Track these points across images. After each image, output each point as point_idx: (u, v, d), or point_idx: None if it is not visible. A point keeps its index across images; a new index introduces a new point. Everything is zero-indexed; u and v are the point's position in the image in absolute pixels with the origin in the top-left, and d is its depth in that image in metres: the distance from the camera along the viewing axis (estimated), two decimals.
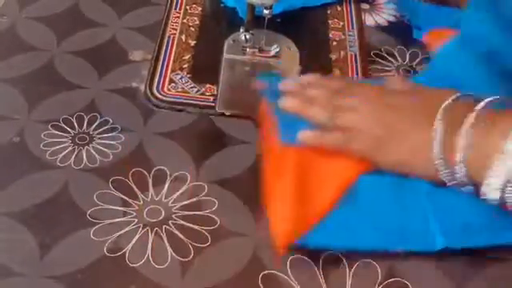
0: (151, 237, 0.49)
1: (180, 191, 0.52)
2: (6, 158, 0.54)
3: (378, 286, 0.48)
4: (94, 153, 0.55)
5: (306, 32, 0.70)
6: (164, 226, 0.50)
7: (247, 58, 0.64)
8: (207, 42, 0.67)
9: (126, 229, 0.49)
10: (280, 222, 0.49)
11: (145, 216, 0.50)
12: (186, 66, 0.64)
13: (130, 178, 0.53)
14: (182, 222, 0.50)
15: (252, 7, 0.63)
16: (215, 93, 0.61)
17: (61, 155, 0.54)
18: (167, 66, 0.63)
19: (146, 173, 0.54)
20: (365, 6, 0.74)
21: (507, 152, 0.46)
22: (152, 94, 0.60)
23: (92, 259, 0.47)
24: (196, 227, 0.50)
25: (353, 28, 0.71)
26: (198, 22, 0.69)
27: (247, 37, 0.64)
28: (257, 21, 0.63)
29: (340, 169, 0.52)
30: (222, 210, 0.51)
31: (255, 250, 0.49)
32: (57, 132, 0.56)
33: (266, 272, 0.48)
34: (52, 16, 0.68)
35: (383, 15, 0.73)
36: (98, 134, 0.56)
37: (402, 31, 0.71)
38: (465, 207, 0.50)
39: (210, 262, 0.48)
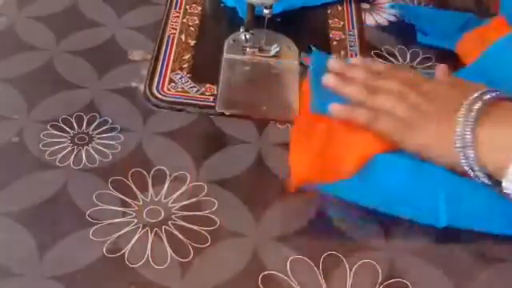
0: (151, 237, 0.49)
1: (180, 191, 0.52)
2: (5, 158, 0.54)
3: (379, 286, 0.48)
4: (93, 153, 0.55)
5: (306, 32, 0.70)
6: (164, 227, 0.50)
7: (247, 57, 0.64)
8: (207, 42, 0.67)
9: (126, 229, 0.49)
10: (299, 166, 0.52)
11: (144, 216, 0.50)
12: (185, 65, 0.64)
13: (130, 178, 0.53)
14: (182, 223, 0.50)
15: (252, 7, 0.63)
16: (215, 93, 0.61)
17: (60, 155, 0.54)
18: (167, 66, 0.63)
19: (145, 173, 0.53)
20: (365, 5, 0.74)
21: None
22: (152, 93, 0.60)
23: (91, 259, 0.47)
24: (196, 227, 0.50)
25: (353, 28, 0.71)
26: (197, 22, 0.69)
27: (247, 36, 0.64)
28: (257, 20, 0.63)
29: (364, 142, 0.54)
30: (221, 210, 0.51)
31: (255, 250, 0.49)
32: (56, 132, 0.56)
33: (265, 272, 0.48)
34: (51, 15, 0.68)
35: (383, 15, 0.73)
36: (97, 133, 0.56)
37: (402, 31, 0.71)
38: (476, 194, 0.51)
39: (210, 263, 0.48)
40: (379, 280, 0.48)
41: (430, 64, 0.67)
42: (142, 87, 0.61)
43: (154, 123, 0.58)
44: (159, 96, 0.60)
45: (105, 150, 0.55)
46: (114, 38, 0.66)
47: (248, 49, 0.64)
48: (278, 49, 0.64)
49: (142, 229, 0.49)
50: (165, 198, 0.52)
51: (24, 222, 0.49)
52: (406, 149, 0.54)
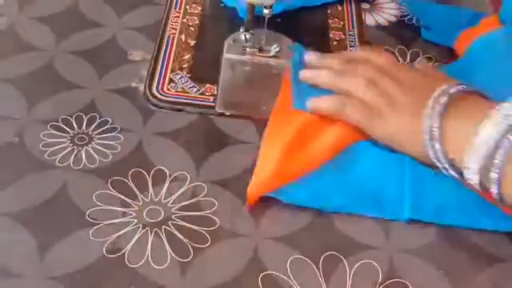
0: (151, 237, 0.49)
1: (180, 191, 0.52)
2: (5, 159, 0.54)
3: (379, 286, 0.48)
4: (93, 153, 0.55)
5: (306, 32, 0.70)
6: (163, 227, 0.50)
7: (247, 58, 0.64)
8: (207, 42, 0.67)
9: (126, 229, 0.49)
10: (261, 171, 0.52)
11: (144, 216, 0.50)
12: (185, 65, 0.64)
13: (130, 179, 0.53)
14: (182, 223, 0.50)
15: (252, 7, 0.63)
16: (215, 93, 0.61)
17: (60, 155, 0.54)
18: (167, 66, 0.63)
19: (145, 173, 0.53)
20: (365, 5, 0.74)
21: (480, 138, 0.47)
22: (151, 93, 0.60)
23: (91, 260, 0.47)
24: (196, 228, 0.50)
25: (353, 27, 0.71)
26: (197, 22, 0.69)
27: (247, 37, 0.64)
28: (257, 20, 0.63)
29: (335, 135, 0.54)
30: (221, 210, 0.51)
31: (255, 250, 0.49)
32: (56, 132, 0.56)
33: (265, 273, 0.48)
34: (52, 16, 0.68)
35: (383, 15, 0.73)
36: (97, 134, 0.56)
37: (402, 31, 0.71)
38: (442, 186, 0.52)
39: (210, 263, 0.48)
40: (379, 280, 0.48)
41: (430, 64, 0.66)
42: (141, 87, 0.61)
43: (154, 123, 0.58)
44: (159, 96, 0.60)
45: (105, 150, 0.55)
46: (114, 39, 0.66)
47: (248, 49, 0.64)
48: (277, 49, 0.64)
49: (142, 229, 0.49)
50: (165, 198, 0.52)
51: (24, 222, 0.49)
52: (374, 137, 0.54)
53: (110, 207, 0.51)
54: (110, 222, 0.50)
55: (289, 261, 0.48)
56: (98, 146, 0.55)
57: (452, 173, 0.50)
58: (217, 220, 0.51)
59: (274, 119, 0.57)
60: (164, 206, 0.51)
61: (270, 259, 0.48)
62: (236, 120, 0.59)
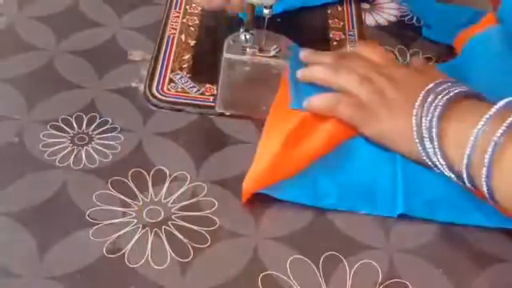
0: (151, 237, 0.49)
1: (180, 191, 0.52)
2: (5, 159, 0.54)
3: (379, 286, 0.48)
4: (93, 153, 0.54)
5: (306, 32, 0.70)
6: (163, 227, 0.50)
7: (247, 58, 0.64)
8: (207, 42, 0.67)
9: (126, 229, 0.49)
10: (256, 168, 0.52)
11: (144, 216, 0.50)
12: (185, 65, 0.64)
13: (130, 179, 0.53)
14: (182, 223, 0.50)
15: (252, 7, 0.63)
16: (215, 93, 0.61)
17: (60, 155, 0.54)
18: (167, 66, 0.63)
19: (145, 173, 0.53)
20: (365, 5, 0.74)
21: (469, 138, 0.47)
22: (151, 93, 0.60)
23: (91, 260, 0.47)
24: (196, 228, 0.50)
25: (353, 28, 0.71)
26: (197, 22, 0.69)
27: (247, 37, 0.64)
28: (257, 21, 0.63)
29: (329, 131, 0.55)
30: (221, 210, 0.51)
31: (255, 250, 0.49)
32: (56, 132, 0.56)
33: (265, 273, 0.48)
34: (52, 16, 0.68)
35: (383, 15, 0.73)
36: (97, 134, 0.56)
37: (402, 31, 0.71)
38: (434, 182, 0.52)
39: (210, 263, 0.48)
40: (379, 280, 0.48)
41: (430, 64, 0.66)
42: (141, 87, 0.61)
43: (154, 123, 0.58)
44: (159, 96, 0.60)
45: (105, 150, 0.55)
46: (114, 39, 0.66)
47: (248, 49, 0.64)
48: (278, 49, 0.64)
49: (142, 229, 0.49)
50: (165, 198, 0.52)
51: (24, 222, 0.49)
52: (366, 135, 0.54)
53: (110, 207, 0.51)
54: (109, 222, 0.50)
55: (289, 261, 0.48)
56: (97, 146, 0.55)
57: (445, 172, 0.51)
58: (217, 220, 0.51)
59: (271, 118, 0.57)
60: (164, 206, 0.51)
61: (269, 259, 0.48)
62: (236, 120, 0.59)
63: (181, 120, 0.58)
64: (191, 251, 0.48)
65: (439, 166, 0.51)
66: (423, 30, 0.70)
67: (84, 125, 0.57)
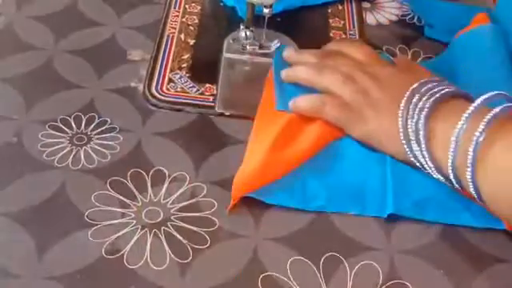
0: (150, 238, 0.49)
1: (179, 192, 0.52)
2: (3, 159, 0.53)
3: (379, 287, 0.47)
4: (91, 153, 0.54)
5: (306, 31, 0.70)
6: (163, 228, 0.49)
7: (247, 57, 0.64)
8: (206, 41, 0.67)
9: (125, 230, 0.49)
10: (245, 171, 0.52)
11: (143, 217, 0.50)
12: (185, 65, 0.63)
13: (129, 179, 0.53)
14: (181, 224, 0.50)
15: (252, 6, 0.62)
16: (215, 92, 0.61)
17: (58, 156, 0.54)
18: (166, 66, 0.63)
19: (144, 173, 0.53)
20: (366, 4, 0.74)
21: (453, 137, 0.47)
22: (151, 93, 0.60)
23: (90, 261, 0.47)
24: (195, 228, 0.50)
25: (354, 27, 0.70)
26: (197, 21, 0.69)
27: (247, 33, 0.63)
28: (256, 20, 0.63)
29: (317, 133, 0.54)
30: (221, 211, 0.51)
31: (255, 251, 0.49)
32: (54, 132, 0.56)
33: (265, 274, 0.47)
34: (50, 15, 0.68)
35: (384, 14, 0.73)
36: (96, 134, 0.56)
37: (403, 30, 0.71)
38: (423, 182, 0.52)
39: (209, 264, 0.48)
40: (380, 281, 0.48)
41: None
42: (141, 87, 0.61)
43: (153, 123, 0.58)
44: (158, 96, 0.60)
45: (103, 150, 0.55)
46: (113, 38, 0.66)
47: (248, 46, 0.64)
48: (278, 44, 0.64)
49: (141, 230, 0.49)
50: (164, 199, 0.51)
51: (22, 223, 0.49)
52: (353, 136, 0.54)
53: (109, 208, 0.50)
54: (108, 222, 0.49)
55: (289, 262, 0.48)
56: (96, 146, 0.55)
57: (434, 174, 0.50)
58: (216, 221, 0.50)
59: (258, 120, 0.57)
60: (163, 207, 0.51)
61: (269, 260, 0.48)
62: (236, 120, 0.59)
63: (180, 120, 0.58)
64: (190, 252, 0.48)
65: (427, 168, 0.50)
66: (425, 30, 0.69)
67: (83, 125, 0.57)
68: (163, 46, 0.65)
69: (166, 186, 0.52)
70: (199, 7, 0.71)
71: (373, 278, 0.48)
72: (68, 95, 0.59)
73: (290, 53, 0.61)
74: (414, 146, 0.50)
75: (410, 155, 0.51)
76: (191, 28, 0.68)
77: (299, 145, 0.54)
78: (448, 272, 0.49)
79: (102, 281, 0.46)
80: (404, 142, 0.51)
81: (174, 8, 0.70)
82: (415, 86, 0.51)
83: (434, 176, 0.51)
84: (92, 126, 0.57)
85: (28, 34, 0.65)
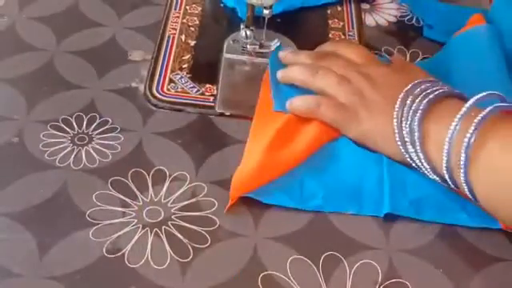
0: (150, 237, 0.49)
1: (179, 191, 0.52)
2: (5, 159, 0.54)
3: (378, 286, 0.48)
4: (93, 153, 0.55)
5: (305, 32, 0.70)
6: (163, 227, 0.50)
7: (247, 57, 0.64)
8: (207, 42, 0.67)
9: (126, 229, 0.49)
10: (243, 172, 0.52)
11: (144, 216, 0.50)
12: (185, 65, 0.64)
13: (130, 179, 0.53)
14: (182, 223, 0.50)
15: (252, 7, 0.63)
16: (215, 93, 0.61)
17: (60, 155, 0.54)
18: (167, 66, 0.63)
19: (145, 173, 0.53)
20: (365, 5, 0.74)
21: (446, 139, 0.47)
22: (151, 94, 0.60)
23: (91, 260, 0.47)
24: (195, 228, 0.50)
25: (353, 28, 0.71)
26: (197, 22, 0.69)
27: (248, 33, 0.64)
28: (256, 21, 0.63)
29: (313, 133, 0.55)
30: (221, 210, 0.51)
31: (255, 250, 0.49)
32: (56, 132, 0.56)
33: (265, 273, 0.48)
34: (52, 16, 0.68)
35: (383, 15, 0.73)
36: (97, 134, 0.56)
37: (402, 31, 0.71)
38: (420, 182, 0.52)
39: (210, 263, 0.48)
40: (379, 280, 0.48)
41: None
42: (141, 87, 0.61)
43: (154, 123, 0.58)
44: (159, 96, 0.60)
45: (105, 150, 0.55)
46: (114, 39, 0.66)
47: (248, 46, 0.64)
48: (278, 43, 0.64)
49: (142, 229, 0.49)
50: (165, 199, 0.52)
51: (24, 222, 0.49)
52: (349, 137, 0.54)
53: (110, 207, 0.51)
54: (109, 222, 0.50)
55: (289, 261, 0.48)
56: (97, 146, 0.55)
57: (430, 174, 0.51)
58: (216, 220, 0.51)
59: (255, 120, 0.57)
60: (164, 206, 0.51)
61: (269, 259, 0.48)
62: (236, 120, 0.59)
63: (181, 120, 0.58)
64: (191, 251, 0.48)
65: (423, 169, 0.51)
66: (424, 31, 0.70)
67: (84, 125, 0.57)
68: (164, 47, 0.65)
69: (166, 185, 0.53)
70: (200, 8, 0.71)
71: (372, 277, 0.48)
72: (69, 95, 0.60)
73: (285, 54, 0.61)
74: (410, 148, 0.50)
75: (406, 156, 0.51)
76: (192, 29, 0.68)
77: (296, 145, 0.54)
78: (447, 271, 0.49)
79: (102, 280, 0.46)
80: (399, 143, 0.51)
81: (175, 9, 0.70)
82: (409, 87, 0.52)
83: (431, 177, 0.51)
84: (93, 126, 0.57)
85: (30, 34, 0.65)
